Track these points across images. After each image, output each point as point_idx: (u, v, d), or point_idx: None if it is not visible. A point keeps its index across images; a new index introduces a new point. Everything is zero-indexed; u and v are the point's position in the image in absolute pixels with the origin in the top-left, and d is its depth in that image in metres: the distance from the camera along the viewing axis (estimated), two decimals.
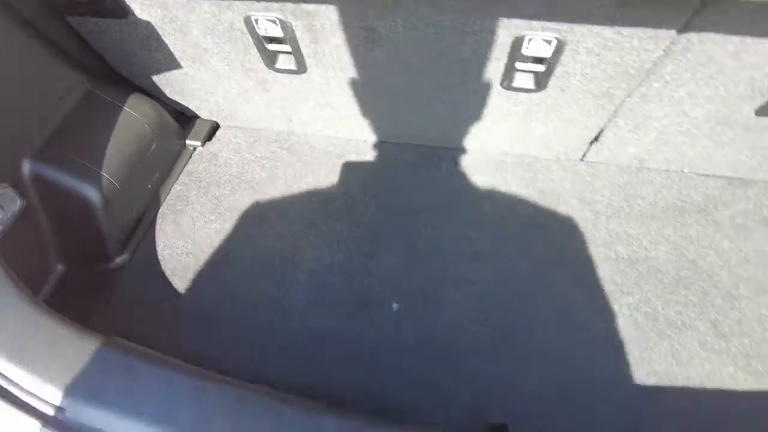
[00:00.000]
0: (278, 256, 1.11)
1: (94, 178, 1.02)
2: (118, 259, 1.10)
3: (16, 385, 0.72)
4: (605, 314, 1.02)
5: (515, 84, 1.06)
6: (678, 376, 0.94)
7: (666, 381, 0.94)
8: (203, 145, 1.33)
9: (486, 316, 1.02)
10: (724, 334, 0.99)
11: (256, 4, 0.94)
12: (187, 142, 1.33)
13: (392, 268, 1.09)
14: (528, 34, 0.92)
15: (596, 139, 1.21)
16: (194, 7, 0.96)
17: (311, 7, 0.93)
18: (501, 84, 1.07)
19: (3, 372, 0.72)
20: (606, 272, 1.08)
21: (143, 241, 1.13)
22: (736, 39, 0.86)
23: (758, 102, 1.01)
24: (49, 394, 0.71)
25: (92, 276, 1.07)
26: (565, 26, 0.89)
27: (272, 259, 1.10)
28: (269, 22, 0.98)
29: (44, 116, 1.01)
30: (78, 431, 0.70)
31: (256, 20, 0.98)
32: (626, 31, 0.87)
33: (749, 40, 0.85)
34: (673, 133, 1.13)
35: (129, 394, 0.71)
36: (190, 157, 1.31)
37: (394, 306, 1.03)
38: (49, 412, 0.71)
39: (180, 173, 1.27)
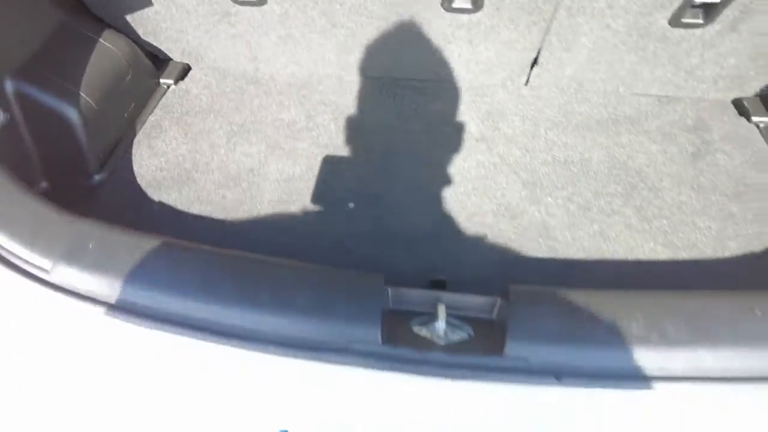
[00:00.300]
0: (245, 169, 1.21)
1: (73, 97, 1.12)
2: (98, 177, 1.19)
3: (8, 251, 0.82)
4: (540, 205, 1.13)
5: (454, 5, 1.18)
6: (605, 252, 1.05)
7: (593, 255, 1.05)
8: (176, 83, 1.43)
9: (432, 210, 1.13)
10: (647, 218, 1.11)
11: None
12: (161, 80, 1.42)
13: (348, 176, 1.20)
14: None
15: (536, 61, 1.33)
16: None
17: None
18: (442, 5, 1.18)
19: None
20: (543, 173, 1.20)
21: (120, 162, 1.23)
22: None
23: (669, 12, 1.13)
24: (36, 259, 0.81)
25: (74, 192, 1.16)
26: None
27: (239, 172, 1.20)
28: None
29: (25, 40, 1.11)
30: (61, 289, 0.80)
31: None
32: None
33: None
34: (602, 49, 1.25)
35: (107, 257, 0.80)
36: (164, 93, 1.41)
37: (350, 205, 1.13)
38: (37, 273, 0.81)
39: (154, 107, 1.37)
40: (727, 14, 1.13)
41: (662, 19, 1.15)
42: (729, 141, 1.27)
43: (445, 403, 0.74)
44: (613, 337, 0.72)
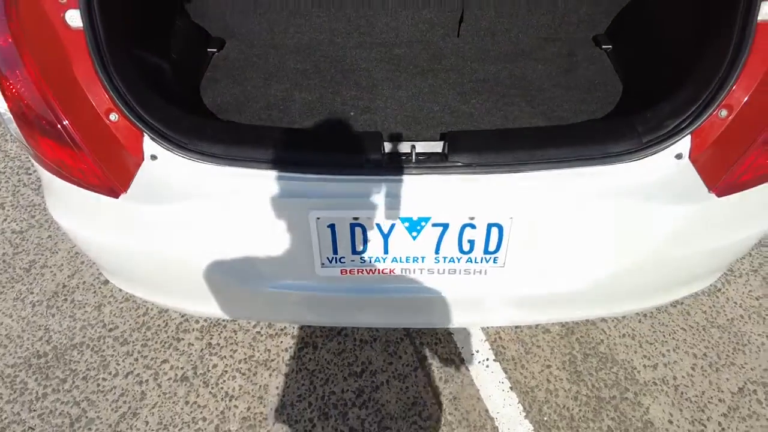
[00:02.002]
0: (279, 99, 1.87)
1: (168, 56, 1.74)
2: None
3: (162, 131, 1.43)
4: (468, 105, 1.81)
5: None
6: (506, 124, 1.74)
7: (502, 126, 1.73)
8: (218, 51, 2.07)
9: (403, 111, 1.79)
10: (534, 105, 1.80)
11: None
12: (208, 49, 2.05)
13: (347, 97, 1.86)
14: None
15: (462, 18, 2.02)
16: None
17: None
18: None
19: (156, 125, 1.43)
20: (470, 87, 1.88)
21: (195, 99, 1.85)
22: None
23: None
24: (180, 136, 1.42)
25: None
26: None
27: (276, 101, 1.87)
28: None
29: (138, 18, 1.73)
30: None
31: None
32: None
33: None
34: (502, 5, 1.95)
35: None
36: (211, 58, 2.05)
37: (351, 113, 1.80)
38: (181, 143, 1.42)
39: (208, 67, 2.00)
40: None
41: None
42: (587, 61, 1.98)
43: (417, 188, 1.40)
44: (502, 145, 1.38)
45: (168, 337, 2.39)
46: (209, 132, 1.42)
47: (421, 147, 1.41)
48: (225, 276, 1.49)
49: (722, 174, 1.38)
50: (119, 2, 1.49)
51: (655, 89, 1.71)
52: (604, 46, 2.01)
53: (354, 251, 1.47)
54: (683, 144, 1.37)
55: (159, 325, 2.43)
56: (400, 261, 1.50)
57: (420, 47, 2.01)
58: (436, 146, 1.44)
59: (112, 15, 1.42)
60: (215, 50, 2.05)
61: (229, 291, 1.55)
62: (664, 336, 2.33)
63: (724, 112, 1.35)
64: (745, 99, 1.34)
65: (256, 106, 1.80)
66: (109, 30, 1.40)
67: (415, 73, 1.91)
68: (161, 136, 1.38)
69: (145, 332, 2.41)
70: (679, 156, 1.38)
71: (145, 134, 1.39)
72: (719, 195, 1.38)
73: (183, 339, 2.38)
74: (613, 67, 1.94)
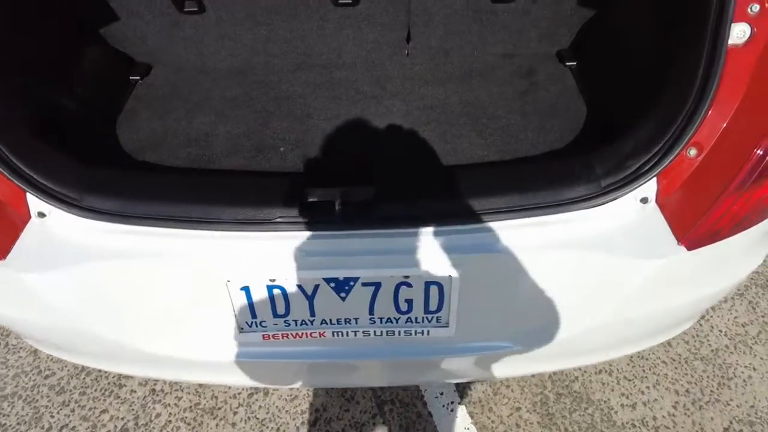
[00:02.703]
0: (202, 133, 1.67)
1: (72, 91, 1.55)
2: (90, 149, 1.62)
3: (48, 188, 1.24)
4: (413, 137, 1.62)
5: (340, 1, 1.65)
6: (454, 161, 1.55)
7: (446, 163, 1.54)
8: (142, 79, 1.87)
9: (338, 146, 1.60)
10: (484, 136, 1.62)
11: None
12: (130, 77, 1.86)
13: (278, 130, 1.67)
14: None
15: (409, 37, 1.82)
16: None
17: None
18: (331, 2, 1.65)
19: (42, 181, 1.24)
20: (416, 115, 1.69)
21: (108, 138, 1.66)
22: None
23: None
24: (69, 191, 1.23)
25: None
26: None
27: (198, 135, 1.67)
28: None
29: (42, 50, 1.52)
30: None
31: None
32: None
33: None
34: (452, 23, 1.76)
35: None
36: (134, 87, 1.85)
37: (281, 149, 1.60)
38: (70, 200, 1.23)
39: (128, 98, 1.81)
40: None
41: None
42: (549, 81, 1.79)
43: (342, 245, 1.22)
44: (435, 192, 1.20)
45: (109, 383, 2.21)
46: (102, 184, 1.24)
47: (348, 195, 1.23)
48: (143, 343, 1.32)
49: (693, 222, 1.20)
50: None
51: (620, 115, 1.52)
52: (568, 63, 1.82)
53: (275, 315, 1.29)
54: (649, 187, 1.20)
55: (100, 371, 2.24)
56: (330, 323, 1.32)
57: (363, 69, 1.82)
58: (366, 193, 1.25)
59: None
60: (138, 78, 1.86)
61: (151, 357, 1.37)
62: (643, 371, 2.16)
63: (693, 151, 1.18)
64: (716, 136, 1.16)
65: (175, 143, 1.61)
66: None
67: (356, 100, 1.72)
68: (46, 194, 1.21)
69: (84, 378, 2.23)
70: (644, 200, 1.21)
71: (27, 192, 1.22)
72: (689, 248, 1.20)
73: (125, 385, 2.20)
74: (576, 86, 1.75)
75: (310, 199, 1.24)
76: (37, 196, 1.21)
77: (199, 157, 1.56)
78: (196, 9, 1.66)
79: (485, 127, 1.63)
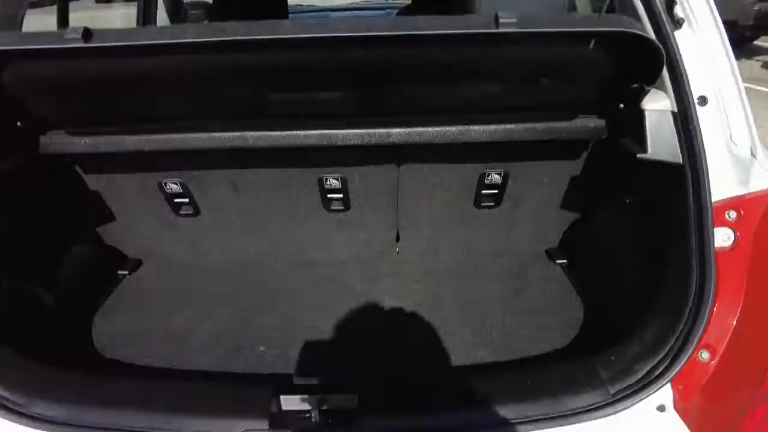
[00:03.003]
0: (182, 329, 1.57)
1: (51, 288, 1.50)
2: (60, 348, 1.50)
3: None
4: (401, 334, 1.53)
5: (332, 207, 1.72)
6: (449, 361, 1.43)
7: (439, 364, 1.41)
8: (130, 274, 1.85)
9: (322, 345, 1.49)
10: (480, 334, 1.52)
11: (164, 173, 1.59)
12: (119, 271, 1.83)
13: (261, 328, 1.57)
14: (324, 175, 1.61)
15: (398, 237, 1.86)
16: (126, 177, 1.60)
17: (196, 172, 1.59)
18: (323, 207, 1.72)
19: None
20: (406, 312, 1.62)
21: (83, 336, 1.55)
22: (427, 165, 1.59)
23: (470, 199, 1.71)
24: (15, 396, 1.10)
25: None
26: (342, 168, 1.58)
27: (178, 332, 1.56)
28: (173, 184, 1.63)
29: (20, 246, 1.52)
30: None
31: (165, 183, 1.62)
32: (371, 167, 1.58)
33: (437, 165, 1.59)
34: (439, 225, 1.81)
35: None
36: (120, 281, 1.82)
37: (261, 348, 1.49)
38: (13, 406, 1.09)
39: (112, 293, 1.76)
40: (507, 199, 1.72)
41: (469, 205, 1.73)
42: (541, 279, 1.77)
43: None
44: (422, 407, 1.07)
45: None
46: (57, 389, 1.11)
47: (328, 403, 1.09)
48: None
49: None
50: None
51: (618, 314, 1.46)
52: (558, 261, 1.83)
53: None
54: (664, 393, 1.07)
55: None
56: None
57: (354, 267, 1.82)
58: (348, 402, 1.11)
59: None
60: (127, 273, 1.84)
61: None
62: None
63: (705, 354, 1.09)
64: (727, 338, 1.08)
65: (150, 339, 1.51)
66: None
67: (345, 297, 1.68)
68: None
69: None
70: (661, 408, 1.08)
71: None
72: None
73: None
74: (570, 285, 1.73)
75: (284, 408, 1.09)
76: None
77: (172, 355, 1.44)
78: (191, 212, 1.73)
79: (480, 325, 1.55)
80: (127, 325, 1.59)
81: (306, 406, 1.09)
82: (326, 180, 1.61)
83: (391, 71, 1.21)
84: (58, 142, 1.43)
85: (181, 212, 1.72)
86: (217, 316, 1.62)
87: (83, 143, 1.42)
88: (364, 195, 1.66)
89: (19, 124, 1.35)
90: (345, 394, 1.12)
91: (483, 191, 1.67)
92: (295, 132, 1.40)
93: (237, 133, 1.40)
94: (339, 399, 1.11)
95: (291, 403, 1.11)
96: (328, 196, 1.67)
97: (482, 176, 1.62)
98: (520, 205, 1.74)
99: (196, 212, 1.72)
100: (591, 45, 1.10)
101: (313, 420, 1.06)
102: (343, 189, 1.63)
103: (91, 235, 1.77)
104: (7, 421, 1.07)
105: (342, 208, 1.71)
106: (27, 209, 1.60)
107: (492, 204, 1.72)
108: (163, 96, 1.28)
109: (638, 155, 1.26)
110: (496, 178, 1.63)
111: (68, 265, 1.60)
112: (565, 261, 1.83)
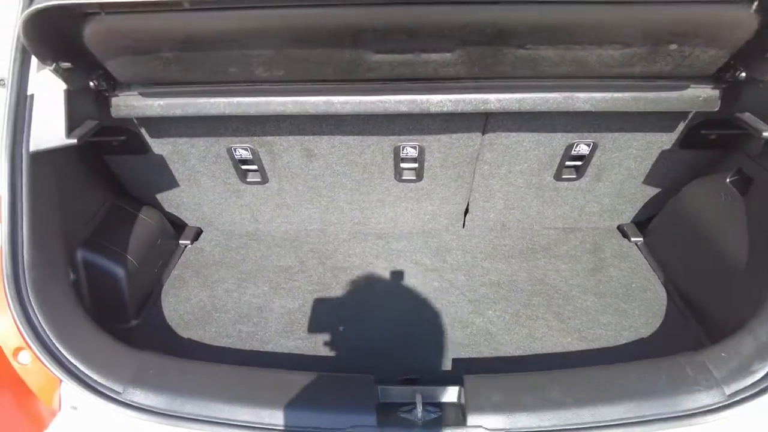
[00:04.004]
0: (254, 308, 1.53)
1: (122, 260, 1.46)
2: (134, 322, 1.48)
3: (89, 377, 1.09)
4: (483, 317, 1.49)
5: (404, 177, 1.64)
6: (535, 348, 1.39)
7: (527, 351, 1.39)
8: (192, 243, 1.80)
9: (403, 326, 1.46)
10: (563, 319, 1.47)
11: (235, 138, 1.50)
12: (180, 241, 1.79)
13: (335, 306, 1.54)
14: (401, 144, 1.52)
15: (467, 210, 1.79)
16: (194, 143, 1.52)
17: (270, 138, 1.50)
18: (395, 178, 1.64)
19: (82, 370, 1.09)
20: (483, 293, 1.57)
21: (152, 309, 1.53)
22: (513, 134, 1.49)
23: (551, 171, 1.62)
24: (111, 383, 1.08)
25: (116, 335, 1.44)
26: (420, 137, 1.49)
27: (250, 310, 1.52)
28: (243, 150, 1.54)
29: (87, 219, 1.47)
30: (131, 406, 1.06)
31: (235, 149, 1.53)
32: (454, 136, 1.48)
33: (522, 134, 1.49)
34: (512, 199, 1.72)
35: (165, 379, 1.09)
36: (182, 252, 1.77)
37: (340, 328, 1.46)
38: (111, 393, 1.07)
39: (176, 263, 1.72)
40: (591, 171, 1.63)
41: (549, 177, 1.64)
42: (617, 257, 1.71)
43: None
44: (539, 403, 1.04)
45: None
46: (149, 376, 1.08)
47: (430, 394, 1.07)
48: None
49: None
50: (56, 198, 1.26)
51: (712, 304, 1.40)
52: (633, 239, 1.76)
53: None
54: None
55: None
56: None
57: (420, 240, 1.76)
58: (450, 394, 1.08)
59: (45, 215, 1.18)
60: (188, 242, 1.80)
61: None
62: None
63: None
64: None
65: (225, 318, 1.48)
66: (40, 235, 1.15)
67: (416, 273, 1.63)
68: (85, 385, 1.05)
69: None
70: None
71: (63, 382, 1.06)
72: None
73: None
74: (647, 265, 1.67)
75: (386, 397, 1.07)
76: (73, 387, 1.05)
77: (251, 336, 1.42)
78: (259, 180, 1.66)
79: (562, 309, 1.51)
80: (196, 301, 1.56)
81: (410, 399, 1.07)
82: (403, 149, 1.52)
83: (504, 33, 1.10)
84: (130, 104, 1.34)
85: (248, 179, 1.65)
86: (289, 291, 1.58)
87: (157, 105, 1.33)
88: (440, 164, 1.57)
89: (92, 84, 1.27)
90: (445, 386, 1.09)
91: (567, 163, 1.58)
92: (386, 97, 1.30)
93: (322, 98, 1.30)
94: (444, 392, 1.09)
95: (395, 394, 1.08)
96: (402, 165, 1.58)
97: (569, 147, 1.52)
98: (602, 179, 1.64)
99: (264, 179, 1.64)
100: (754, 6, 0.99)
101: (419, 414, 1.03)
102: (419, 159, 1.54)
103: (153, 201, 1.71)
104: (103, 408, 1.06)
105: (414, 178, 1.63)
106: (95, 175, 1.55)
107: (574, 176, 1.63)
108: (251, 56, 1.18)
109: (764, 134, 1.18)
110: (584, 149, 1.53)
111: (137, 235, 1.55)
112: (640, 239, 1.76)
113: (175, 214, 1.80)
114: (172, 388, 1.07)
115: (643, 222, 1.82)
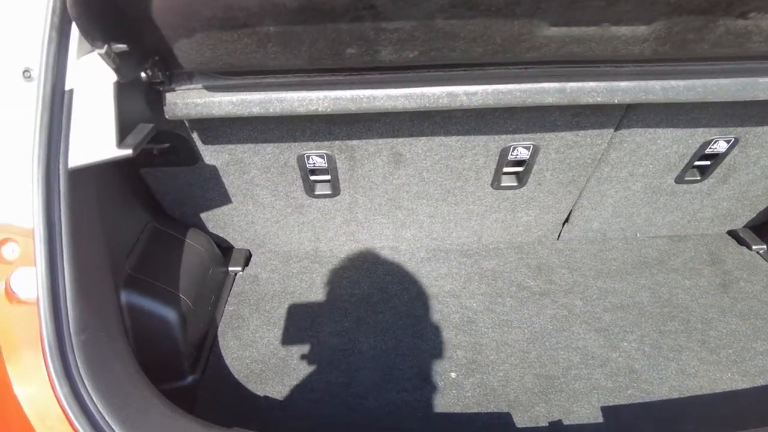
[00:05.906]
0: (338, 350, 1.25)
1: (174, 300, 1.15)
2: (191, 377, 1.18)
3: None
4: (619, 351, 1.23)
5: (503, 184, 1.38)
6: (692, 388, 1.15)
7: (684, 393, 1.14)
8: (243, 270, 1.50)
9: (528, 368, 1.20)
10: (713, 349, 1.23)
11: (311, 143, 1.21)
12: (230, 268, 1.49)
13: (438, 344, 1.26)
14: (512, 144, 1.25)
15: (567, 219, 1.54)
16: (258, 150, 1.22)
17: (354, 141, 1.22)
18: (491, 185, 1.38)
19: None
20: (608, 319, 1.32)
21: (211, 357, 1.23)
22: (651, 130, 1.24)
23: (674, 173, 1.38)
24: None
25: (172, 395, 1.14)
26: (538, 135, 1.23)
27: (333, 353, 1.24)
28: (318, 158, 1.25)
29: (128, 251, 1.16)
30: None
31: (308, 156, 1.24)
32: (581, 133, 1.23)
33: (659, 131, 1.24)
34: (623, 205, 1.48)
35: None
36: (234, 281, 1.47)
37: (452, 375, 1.19)
38: None
39: (228, 296, 1.41)
40: (719, 172, 1.40)
41: (670, 179, 1.40)
42: (742, 269, 1.48)
43: None
44: None
45: None
46: None
47: None
48: None
49: None
50: (98, 228, 0.96)
51: None
52: (755, 247, 1.54)
53: None
54: None
55: None
56: None
57: (515, 258, 1.49)
58: None
59: (90, 252, 0.88)
60: (239, 269, 1.50)
61: None
62: None
63: None
64: None
65: (305, 367, 1.19)
66: (86, 281, 0.85)
67: (523, 299, 1.37)
68: None
69: None
70: None
71: None
72: None
73: None
74: None
75: None
76: None
77: (344, 389, 1.14)
78: (329, 192, 1.37)
79: (705, 336, 1.27)
80: (264, 344, 1.26)
81: None
82: (513, 149, 1.25)
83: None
84: (190, 101, 1.03)
85: (316, 192, 1.36)
86: (374, 327, 1.30)
87: (227, 102, 1.02)
88: (553, 167, 1.31)
89: (144, 76, 0.96)
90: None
91: (696, 162, 1.34)
92: (502, 86, 1.02)
93: (446, 89, 1.02)
94: None
95: None
96: (505, 170, 1.32)
97: (705, 144, 1.28)
98: (729, 180, 1.41)
99: (335, 191, 1.36)
100: None
101: None
102: (530, 161, 1.28)
103: (192, 221, 1.41)
104: None
105: (515, 184, 1.36)
106: (134, 194, 1.24)
107: (697, 178, 1.39)
108: (386, 30, 0.88)
109: None
110: (721, 146, 1.29)
111: (187, 266, 1.24)
112: (763, 246, 1.54)
113: (221, 235, 1.50)
114: None
115: (757, 227, 1.60)
